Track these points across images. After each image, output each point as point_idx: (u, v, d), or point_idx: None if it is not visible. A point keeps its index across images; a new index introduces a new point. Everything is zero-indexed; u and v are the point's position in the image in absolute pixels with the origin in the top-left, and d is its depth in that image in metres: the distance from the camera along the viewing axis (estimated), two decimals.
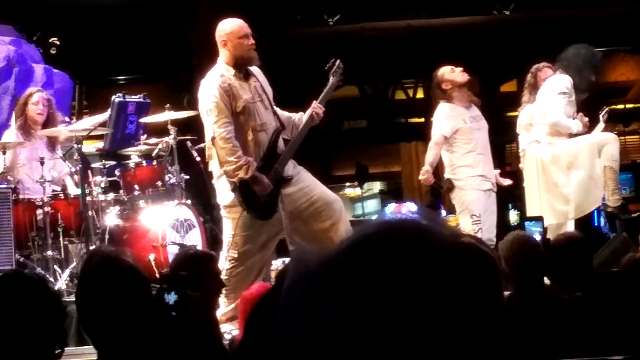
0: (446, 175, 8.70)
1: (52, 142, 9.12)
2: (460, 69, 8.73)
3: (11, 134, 8.98)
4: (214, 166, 7.24)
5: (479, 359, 1.16)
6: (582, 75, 8.72)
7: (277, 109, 7.45)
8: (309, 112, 7.44)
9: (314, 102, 7.48)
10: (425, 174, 8.47)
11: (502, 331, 1.19)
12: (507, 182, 8.97)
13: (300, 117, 7.47)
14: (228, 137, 7.02)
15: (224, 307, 7.00)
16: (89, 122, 9.39)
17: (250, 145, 7.16)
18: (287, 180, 7.24)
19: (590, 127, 9.08)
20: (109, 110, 9.46)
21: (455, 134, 8.54)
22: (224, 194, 7.22)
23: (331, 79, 7.62)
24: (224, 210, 7.30)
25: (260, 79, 7.34)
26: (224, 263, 7.14)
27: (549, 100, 8.72)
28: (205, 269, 5.30)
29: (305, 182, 7.35)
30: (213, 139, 7.07)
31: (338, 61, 7.63)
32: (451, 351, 1.14)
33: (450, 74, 8.68)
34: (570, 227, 8.60)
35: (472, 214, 8.40)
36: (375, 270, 1.14)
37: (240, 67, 7.23)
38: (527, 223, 6.34)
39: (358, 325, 1.13)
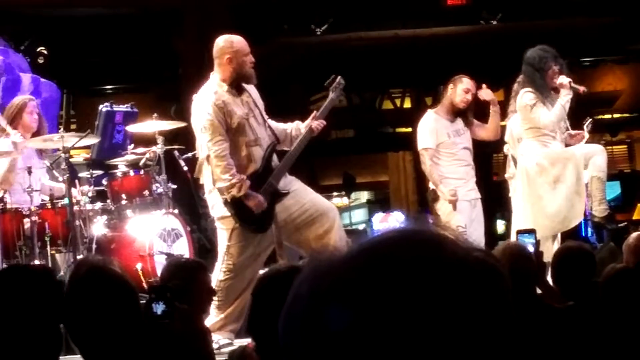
0: (431, 186, 8.68)
1: (41, 151, 9.07)
2: (470, 96, 8.63)
3: (5, 143, 8.85)
4: (206, 180, 7.22)
5: None
6: (536, 80, 8.49)
7: (272, 122, 7.44)
8: (307, 123, 7.43)
9: (315, 112, 7.48)
10: (453, 195, 8.42)
11: (508, 347, 1.18)
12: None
13: (297, 127, 7.46)
14: (223, 155, 7.01)
15: (214, 316, 6.98)
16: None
17: (245, 161, 7.16)
18: (283, 195, 7.23)
19: (574, 137, 8.91)
20: (96, 123, 9.44)
21: (439, 146, 8.55)
22: (217, 206, 7.21)
23: (331, 95, 7.62)
24: (219, 222, 7.31)
25: (252, 94, 7.33)
26: (218, 274, 7.12)
27: (532, 117, 8.54)
28: (197, 278, 5.28)
29: (296, 191, 7.34)
30: (208, 157, 7.06)
31: (339, 77, 7.61)
32: None
33: (460, 88, 8.62)
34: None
35: (458, 224, 8.37)
36: (383, 278, 1.13)
37: (238, 83, 7.21)
38: (520, 236, 6.29)
39: (360, 332, 1.11)
